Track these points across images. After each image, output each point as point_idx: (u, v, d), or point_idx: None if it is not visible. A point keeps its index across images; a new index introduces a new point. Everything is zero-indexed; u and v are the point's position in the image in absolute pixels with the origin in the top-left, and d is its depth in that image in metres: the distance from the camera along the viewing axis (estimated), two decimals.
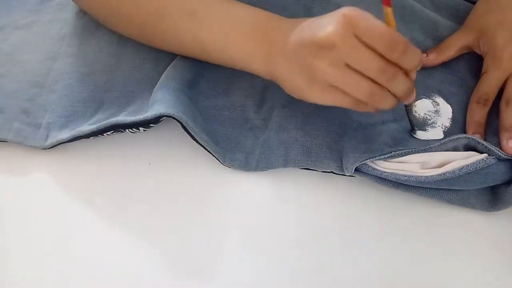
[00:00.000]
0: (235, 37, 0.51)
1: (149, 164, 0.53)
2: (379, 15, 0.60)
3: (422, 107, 0.55)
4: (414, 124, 0.53)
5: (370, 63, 0.43)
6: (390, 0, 0.44)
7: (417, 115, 0.54)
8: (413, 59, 0.45)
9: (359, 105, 0.46)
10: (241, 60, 0.52)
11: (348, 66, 0.44)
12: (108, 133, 0.52)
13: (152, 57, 0.58)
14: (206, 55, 0.54)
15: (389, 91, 0.45)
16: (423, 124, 0.54)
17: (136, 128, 0.52)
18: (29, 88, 0.57)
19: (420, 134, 0.53)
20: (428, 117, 0.54)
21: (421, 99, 0.55)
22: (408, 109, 0.52)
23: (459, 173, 0.47)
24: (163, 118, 0.50)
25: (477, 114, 0.53)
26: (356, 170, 0.50)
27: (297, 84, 0.48)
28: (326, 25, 0.44)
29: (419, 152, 0.49)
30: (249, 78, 0.57)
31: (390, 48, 0.43)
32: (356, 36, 0.43)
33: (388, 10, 0.46)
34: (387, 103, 0.46)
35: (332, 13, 0.44)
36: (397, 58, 0.44)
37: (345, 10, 0.43)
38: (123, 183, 0.52)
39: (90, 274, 0.47)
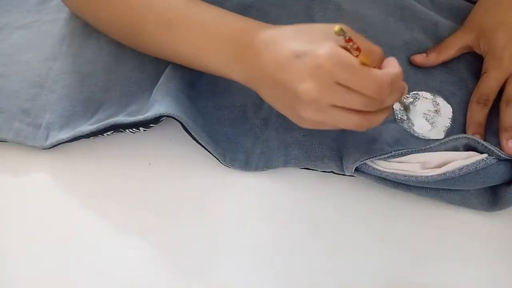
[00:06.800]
0: (211, 52, 0.49)
1: (149, 164, 0.53)
2: (380, 14, 0.60)
3: (422, 107, 0.55)
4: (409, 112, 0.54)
5: (355, 102, 0.42)
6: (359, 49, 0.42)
7: (417, 114, 0.54)
8: (400, 90, 0.44)
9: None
10: (221, 73, 0.50)
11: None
12: (108, 133, 0.52)
13: (152, 57, 0.58)
14: (186, 64, 0.52)
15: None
16: (423, 124, 0.54)
17: (136, 128, 0.52)
18: (29, 88, 0.57)
19: (421, 134, 0.53)
20: (429, 117, 0.54)
21: (418, 98, 0.55)
22: (405, 105, 0.53)
23: (459, 173, 0.47)
24: (163, 118, 0.50)
25: (477, 114, 0.53)
26: (356, 170, 0.50)
27: (284, 112, 0.47)
28: (305, 76, 0.42)
29: (419, 152, 0.49)
30: None
31: (377, 95, 0.42)
32: (338, 83, 0.42)
33: (361, 58, 0.43)
34: (380, 119, 0.45)
35: (309, 51, 0.42)
36: (384, 100, 0.43)
37: (322, 57, 0.41)
38: (123, 183, 0.52)
39: (90, 273, 0.47)
